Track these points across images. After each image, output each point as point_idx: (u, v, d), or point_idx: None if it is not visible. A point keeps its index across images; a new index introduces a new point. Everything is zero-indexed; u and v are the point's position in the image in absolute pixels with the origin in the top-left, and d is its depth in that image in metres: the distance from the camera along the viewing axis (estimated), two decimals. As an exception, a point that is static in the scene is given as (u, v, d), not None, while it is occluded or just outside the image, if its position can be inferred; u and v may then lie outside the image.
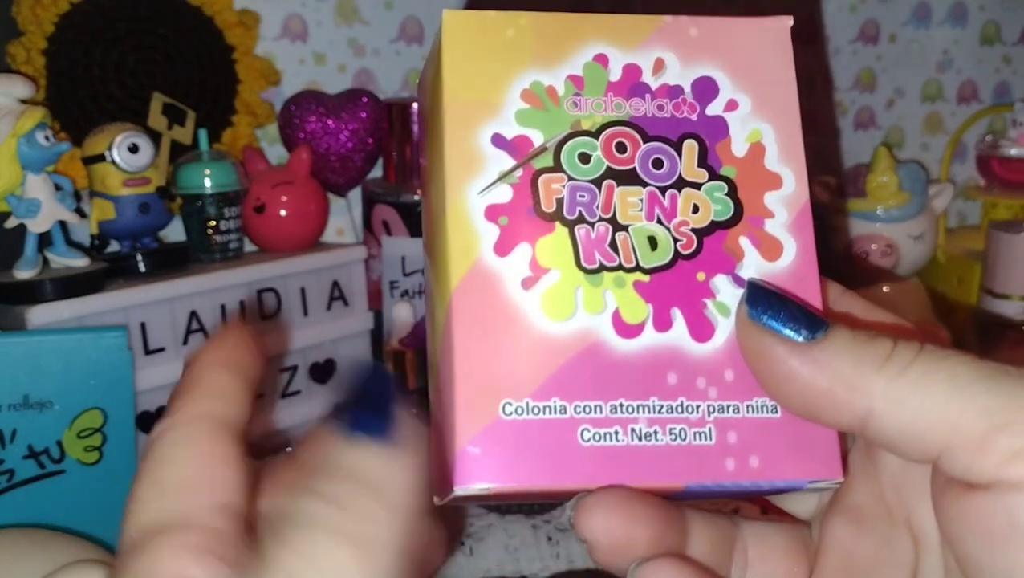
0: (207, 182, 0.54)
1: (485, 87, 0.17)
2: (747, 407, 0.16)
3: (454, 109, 0.17)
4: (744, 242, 0.17)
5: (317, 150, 0.59)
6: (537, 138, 0.17)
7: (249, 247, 0.58)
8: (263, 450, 0.51)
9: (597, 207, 0.17)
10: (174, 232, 0.57)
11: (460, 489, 0.15)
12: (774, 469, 0.16)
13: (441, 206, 0.17)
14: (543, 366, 0.16)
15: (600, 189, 0.17)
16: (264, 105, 0.62)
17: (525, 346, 0.16)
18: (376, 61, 0.67)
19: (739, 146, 0.18)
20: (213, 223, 0.54)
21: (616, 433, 0.16)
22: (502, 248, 0.16)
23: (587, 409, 0.16)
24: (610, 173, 0.17)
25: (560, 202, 0.17)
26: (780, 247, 0.17)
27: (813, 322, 0.15)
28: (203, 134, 0.54)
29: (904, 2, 0.80)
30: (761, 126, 0.18)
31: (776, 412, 0.16)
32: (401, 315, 0.56)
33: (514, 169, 0.17)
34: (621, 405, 0.16)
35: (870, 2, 0.79)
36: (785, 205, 0.17)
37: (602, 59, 0.17)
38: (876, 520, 0.16)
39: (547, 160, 0.17)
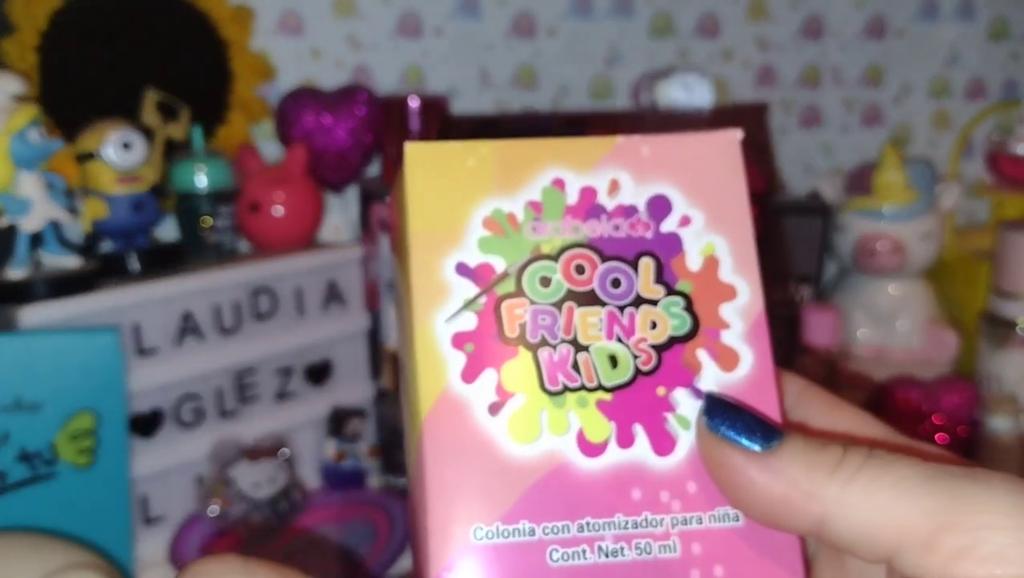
0: (201, 180, 0.53)
1: (448, 217, 0.18)
2: (710, 517, 0.17)
3: (419, 240, 0.17)
4: (702, 354, 0.18)
5: (313, 147, 0.59)
6: (499, 264, 0.18)
7: (244, 246, 0.57)
8: (258, 453, 0.51)
9: (559, 329, 0.17)
10: (167, 231, 0.56)
11: None
12: (738, 577, 0.17)
13: (410, 334, 0.17)
14: (511, 490, 0.17)
15: (561, 311, 0.17)
16: (259, 101, 0.61)
17: (494, 471, 0.17)
18: (374, 56, 0.66)
19: (694, 260, 0.18)
20: (207, 222, 0.53)
21: (584, 552, 0.16)
22: (469, 375, 0.17)
23: (555, 530, 0.16)
24: (570, 295, 0.18)
25: (523, 326, 0.17)
26: (737, 357, 0.18)
27: (768, 432, 0.16)
28: (197, 131, 0.54)
29: (911, -4, 0.79)
30: (714, 239, 0.18)
31: (738, 520, 0.17)
32: (399, 315, 0.55)
33: (478, 296, 0.17)
34: (588, 523, 0.17)
35: (877, -4, 0.78)
36: (740, 315, 0.18)
37: (559, 183, 0.18)
38: None
39: (509, 286, 0.17)
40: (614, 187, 0.18)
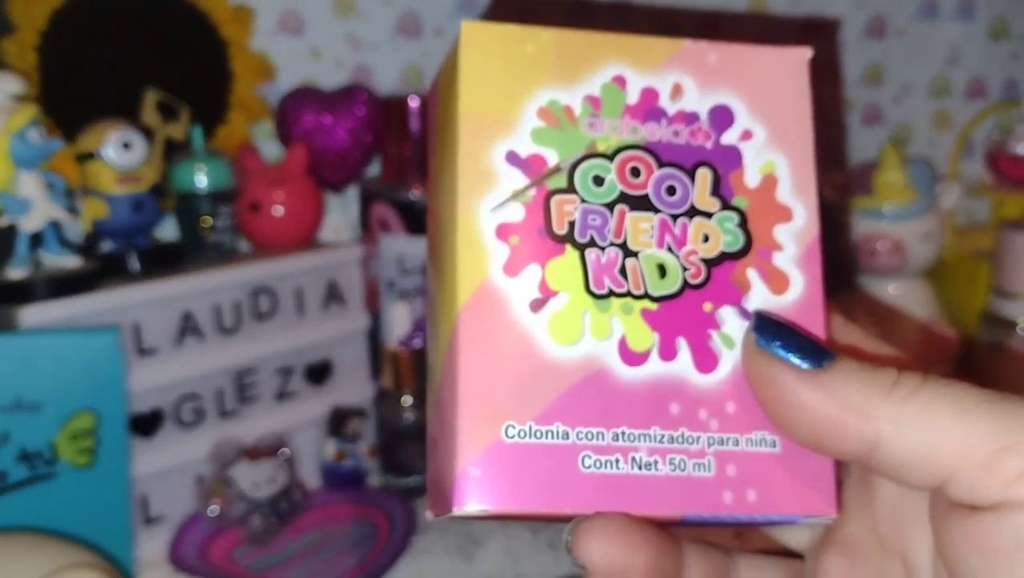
0: (201, 180, 0.53)
1: (502, 103, 0.17)
2: (747, 441, 0.16)
3: (469, 123, 0.17)
4: (752, 274, 0.17)
5: (313, 147, 0.59)
6: (552, 158, 0.17)
7: (244, 246, 0.57)
8: (258, 453, 0.51)
9: (608, 231, 0.17)
10: (168, 231, 0.56)
11: (458, 509, 0.15)
12: (770, 503, 0.16)
13: (452, 221, 0.17)
14: (547, 390, 0.16)
15: (612, 213, 0.17)
16: (259, 101, 0.61)
17: (530, 369, 0.16)
18: (374, 56, 0.66)
19: (752, 177, 0.18)
20: (207, 222, 0.53)
21: (617, 461, 0.16)
22: (512, 268, 0.16)
23: (589, 436, 0.16)
24: (623, 197, 0.17)
25: (572, 224, 0.17)
26: (787, 281, 0.17)
27: (820, 351, 0.15)
28: (197, 131, 0.54)
29: (911, -4, 0.79)
30: (775, 157, 0.18)
31: (775, 446, 0.17)
32: (399, 315, 0.55)
33: (527, 188, 0.17)
34: (623, 433, 0.16)
35: (877, -4, 0.78)
36: (794, 239, 0.18)
37: (620, 81, 0.17)
38: (869, 553, 0.17)
39: (561, 181, 0.17)
40: (677, 91, 0.17)
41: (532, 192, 0.17)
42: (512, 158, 0.17)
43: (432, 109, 0.19)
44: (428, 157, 0.19)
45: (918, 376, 0.15)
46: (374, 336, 0.59)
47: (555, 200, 0.17)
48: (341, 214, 0.65)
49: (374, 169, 0.64)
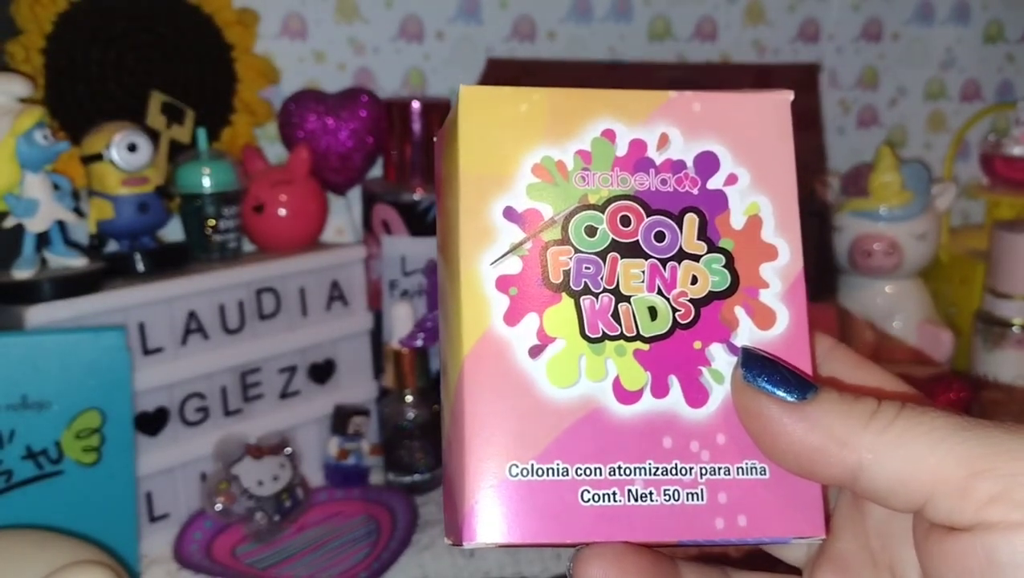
0: (206, 181, 0.54)
1: (498, 161, 0.18)
2: (737, 469, 0.17)
3: (469, 182, 0.18)
4: (739, 312, 0.18)
5: (316, 149, 0.59)
6: (547, 211, 0.18)
7: (248, 247, 0.58)
8: (261, 451, 0.51)
9: (601, 278, 0.18)
10: (173, 232, 0.57)
11: (468, 543, 0.17)
12: (761, 527, 0.17)
13: (455, 276, 0.18)
14: (547, 430, 0.17)
15: (605, 261, 0.18)
16: (263, 104, 0.62)
17: (531, 411, 0.17)
18: (376, 59, 0.67)
19: (737, 219, 0.18)
20: (212, 223, 0.54)
21: (614, 494, 0.17)
22: (511, 318, 0.17)
23: (587, 471, 0.17)
24: (615, 245, 0.18)
25: (567, 274, 0.18)
26: (773, 316, 0.18)
27: (804, 384, 0.16)
28: (202, 133, 0.54)
29: (907, 0, 0.80)
30: (759, 199, 0.19)
31: (765, 474, 0.17)
32: (401, 315, 0.56)
33: (524, 241, 0.18)
34: (619, 467, 0.17)
35: (873, 0, 0.79)
36: (779, 276, 0.18)
37: (609, 134, 0.18)
38: (861, 568, 0.18)
39: (555, 233, 0.18)
40: (663, 141, 0.18)
41: (529, 245, 0.18)
42: (510, 213, 0.18)
43: (439, 159, 0.20)
44: (438, 203, 0.20)
45: (896, 405, 0.16)
46: (376, 335, 0.59)
47: (551, 251, 0.18)
48: (344, 215, 0.66)
49: (376, 171, 0.65)
